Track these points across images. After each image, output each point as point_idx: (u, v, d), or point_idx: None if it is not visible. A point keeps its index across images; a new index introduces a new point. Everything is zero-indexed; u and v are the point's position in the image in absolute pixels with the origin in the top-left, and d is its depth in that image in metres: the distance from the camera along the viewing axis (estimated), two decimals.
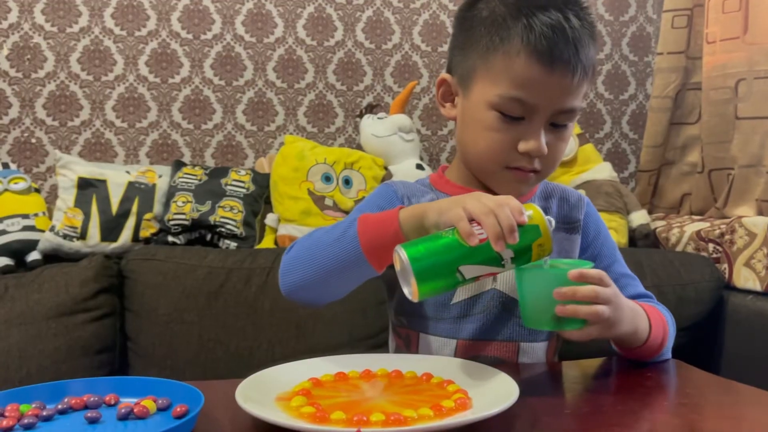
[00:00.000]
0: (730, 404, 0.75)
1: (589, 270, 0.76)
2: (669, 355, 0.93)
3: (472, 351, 0.92)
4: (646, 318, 0.87)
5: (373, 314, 1.55)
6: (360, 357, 0.79)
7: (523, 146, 0.86)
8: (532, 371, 0.87)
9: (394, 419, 0.57)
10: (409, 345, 0.97)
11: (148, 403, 0.62)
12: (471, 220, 0.71)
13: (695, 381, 0.85)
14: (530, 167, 0.88)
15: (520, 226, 0.71)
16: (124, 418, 0.62)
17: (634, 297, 0.96)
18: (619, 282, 0.97)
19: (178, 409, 0.61)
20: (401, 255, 0.70)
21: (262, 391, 0.66)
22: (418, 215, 0.77)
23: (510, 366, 0.89)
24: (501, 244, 0.70)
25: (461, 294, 0.92)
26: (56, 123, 1.87)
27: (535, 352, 0.94)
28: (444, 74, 0.96)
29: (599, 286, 0.76)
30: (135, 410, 0.62)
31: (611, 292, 0.77)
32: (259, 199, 1.83)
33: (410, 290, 0.71)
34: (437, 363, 0.77)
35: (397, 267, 0.73)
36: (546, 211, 0.97)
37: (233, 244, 1.73)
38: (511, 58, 0.84)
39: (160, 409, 0.63)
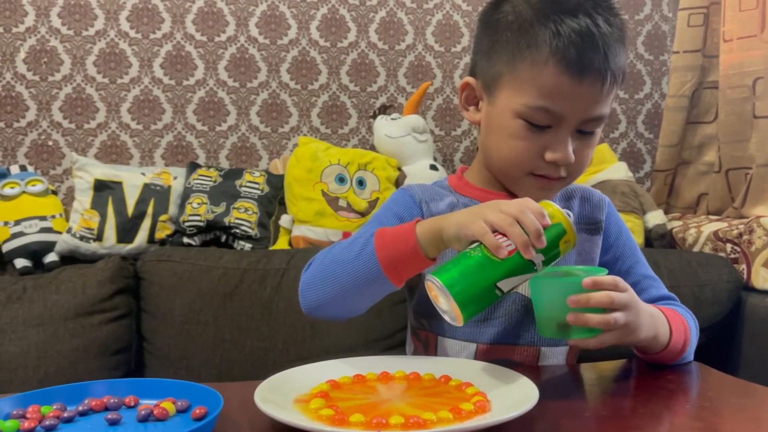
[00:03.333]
0: (751, 407, 0.74)
1: (604, 277, 0.76)
2: (691, 358, 0.91)
3: (492, 355, 0.90)
4: (666, 322, 0.85)
5: (388, 315, 1.55)
6: (377, 359, 0.79)
7: (550, 156, 0.84)
8: (551, 374, 0.87)
9: (414, 422, 0.56)
10: (427, 348, 0.96)
11: (168, 405, 0.63)
12: (494, 231, 0.70)
13: (715, 383, 0.84)
14: (556, 175, 0.87)
15: (545, 227, 0.70)
16: (144, 419, 0.62)
17: (658, 299, 0.95)
18: (642, 283, 0.96)
19: (198, 411, 0.61)
20: (436, 284, 0.69)
21: (280, 393, 0.66)
22: (436, 230, 0.75)
23: (529, 368, 0.88)
24: (531, 251, 0.69)
25: None
26: (73, 125, 1.89)
27: (556, 356, 0.93)
28: (468, 78, 0.93)
29: (614, 291, 0.75)
30: (155, 412, 0.62)
31: (627, 298, 0.76)
32: (274, 201, 1.83)
33: (453, 316, 0.70)
34: (456, 365, 0.77)
35: (432, 294, 0.72)
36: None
37: (248, 245, 1.73)
38: (539, 67, 0.82)
39: (179, 411, 0.64)
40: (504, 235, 0.70)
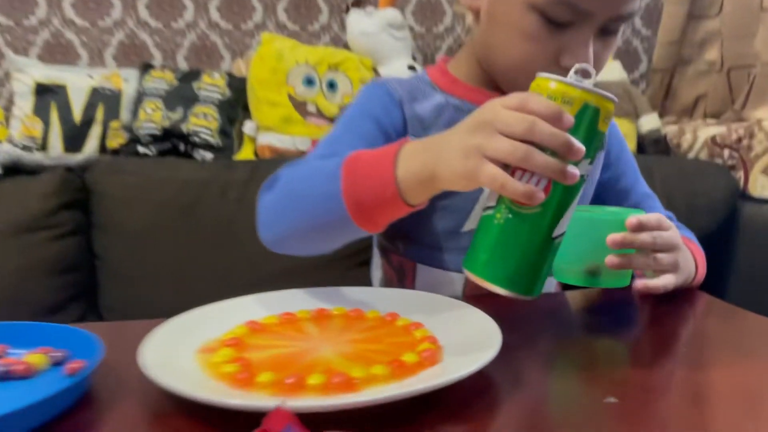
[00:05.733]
0: (734, 332, 0.65)
1: (649, 216, 0.68)
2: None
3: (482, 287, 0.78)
4: (693, 261, 0.77)
5: None
6: (315, 291, 0.67)
7: (567, 60, 0.67)
8: (524, 308, 0.74)
9: (337, 382, 0.45)
10: (403, 278, 0.83)
11: (38, 357, 0.50)
12: (504, 167, 0.50)
13: (708, 311, 0.74)
14: None
15: (571, 128, 0.49)
16: (3, 378, 0.49)
17: None
18: (643, 203, 0.91)
19: (74, 366, 0.49)
20: (477, 281, 0.53)
21: (185, 339, 0.53)
22: (426, 174, 0.55)
23: (501, 301, 0.76)
24: (573, 173, 0.49)
25: (474, 221, 0.77)
26: (11, 22, 1.70)
27: (548, 286, 0.84)
28: None
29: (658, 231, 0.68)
30: (17, 368, 0.49)
31: (672, 237, 0.69)
32: (236, 106, 1.68)
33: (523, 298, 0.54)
34: (407, 300, 0.64)
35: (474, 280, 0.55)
36: None
37: (209, 155, 1.60)
38: None
39: (55, 364, 0.51)
40: (522, 170, 0.50)
